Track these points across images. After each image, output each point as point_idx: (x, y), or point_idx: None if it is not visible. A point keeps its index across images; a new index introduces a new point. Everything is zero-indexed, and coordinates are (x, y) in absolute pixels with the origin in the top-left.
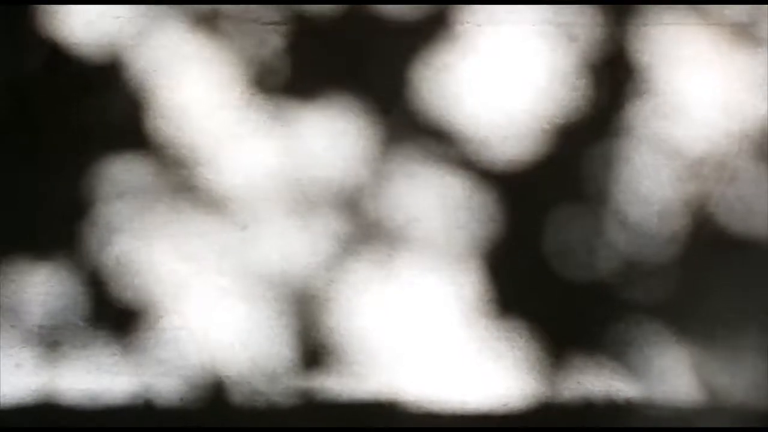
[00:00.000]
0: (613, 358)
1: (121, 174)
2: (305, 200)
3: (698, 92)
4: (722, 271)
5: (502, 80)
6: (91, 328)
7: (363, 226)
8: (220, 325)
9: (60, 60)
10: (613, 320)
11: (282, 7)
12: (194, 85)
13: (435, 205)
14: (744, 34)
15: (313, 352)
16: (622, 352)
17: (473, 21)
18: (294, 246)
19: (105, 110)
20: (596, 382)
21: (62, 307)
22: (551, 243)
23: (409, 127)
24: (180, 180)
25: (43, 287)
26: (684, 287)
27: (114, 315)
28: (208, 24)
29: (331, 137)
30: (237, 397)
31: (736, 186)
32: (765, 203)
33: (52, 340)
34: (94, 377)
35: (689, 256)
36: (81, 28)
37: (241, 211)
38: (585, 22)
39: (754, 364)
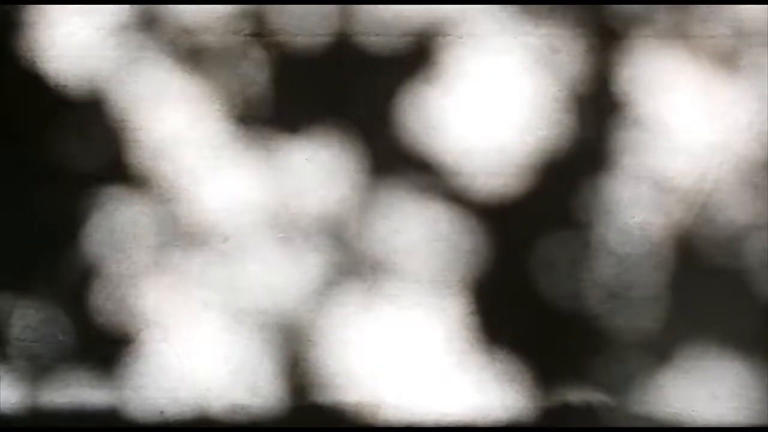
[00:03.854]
0: (593, 371)
1: (105, 197)
2: (289, 227)
3: (680, 104)
4: (703, 289)
5: (485, 93)
6: (72, 341)
7: (346, 249)
8: (201, 338)
9: (39, 73)
10: (593, 334)
11: (265, 19)
12: (177, 111)
13: (419, 231)
14: (726, 46)
15: (295, 364)
16: (602, 365)
17: (455, 33)
18: (276, 260)
19: (86, 128)
20: (576, 394)
21: (42, 321)
22: (533, 263)
23: (393, 155)
24: (163, 206)
25: (23, 301)
26: (663, 303)
27: (94, 328)
28: (190, 39)
29: (315, 167)
30: (218, 410)
31: (717, 198)
32: (746, 216)
33: (32, 354)
34: (75, 390)
35: (669, 275)
36: (62, 40)
37: (224, 232)
38: (567, 34)
39: (736, 379)
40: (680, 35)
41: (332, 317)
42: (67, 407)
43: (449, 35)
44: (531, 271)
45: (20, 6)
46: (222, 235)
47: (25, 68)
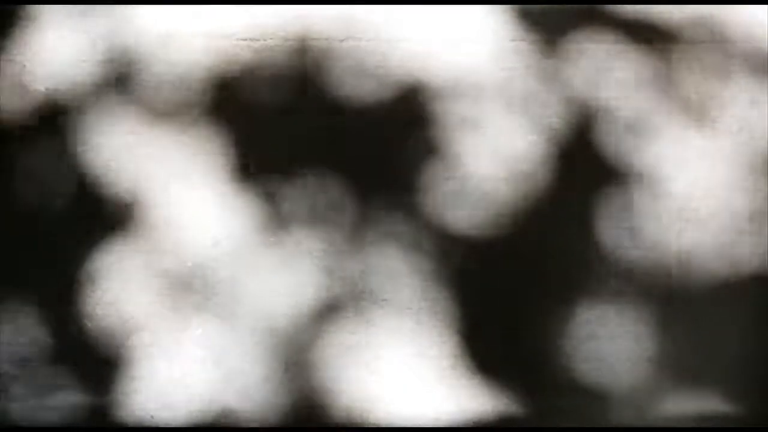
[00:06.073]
0: (584, 379)
1: (94, 200)
2: (280, 232)
3: (671, 109)
4: (695, 299)
5: (477, 100)
6: (61, 345)
7: (337, 255)
8: (192, 342)
9: (29, 77)
10: (581, 344)
11: (256, 23)
12: (167, 117)
13: (408, 256)
14: (718, 51)
15: (286, 369)
16: (591, 373)
17: (447, 37)
18: (267, 264)
19: (75, 131)
20: (566, 400)
21: (32, 325)
22: (519, 287)
23: (383, 178)
24: (153, 211)
25: (11, 304)
26: (652, 317)
27: (84, 332)
28: (180, 41)
29: (305, 189)
30: (208, 414)
31: (708, 204)
32: (738, 220)
33: (21, 358)
34: (64, 394)
35: (661, 287)
36: (52, 46)
37: (215, 236)
38: (558, 39)
39: (724, 388)
40: (672, 40)
41: (323, 321)
42: (56, 412)
43: (441, 39)
44: (515, 285)
45: (11, 7)
46: (213, 240)
47: (14, 72)
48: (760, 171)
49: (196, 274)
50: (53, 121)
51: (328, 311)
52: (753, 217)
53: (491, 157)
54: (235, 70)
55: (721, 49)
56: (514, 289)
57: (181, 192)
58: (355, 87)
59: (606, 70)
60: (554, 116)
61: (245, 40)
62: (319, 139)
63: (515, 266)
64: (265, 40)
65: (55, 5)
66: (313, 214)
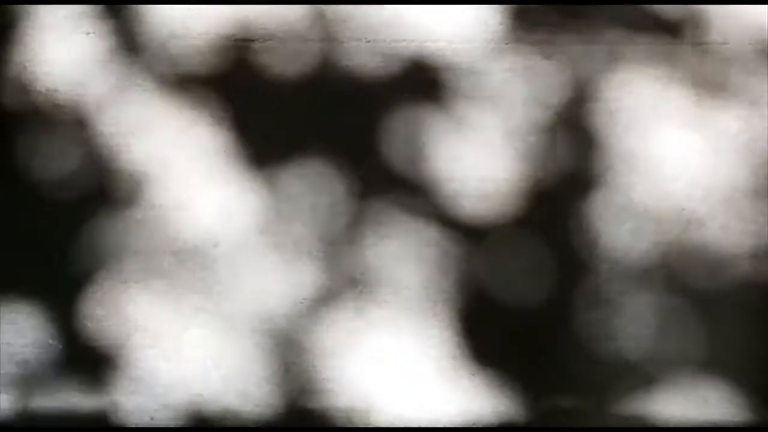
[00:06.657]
0: (584, 379)
1: (95, 202)
2: (280, 233)
3: (670, 110)
4: (694, 294)
5: (475, 101)
6: (62, 346)
7: (337, 256)
8: (192, 343)
9: (29, 77)
10: (580, 344)
11: (257, 24)
12: (168, 117)
13: (408, 255)
14: (717, 52)
15: (286, 369)
16: (590, 371)
17: (446, 39)
18: (267, 265)
19: (76, 134)
20: (566, 401)
21: (32, 326)
22: (519, 277)
23: (383, 177)
24: (153, 212)
25: (12, 306)
26: (650, 310)
27: (85, 333)
28: (180, 44)
29: (306, 189)
30: (209, 415)
31: (708, 205)
32: (737, 222)
33: (21, 359)
34: (65, 396)
35: (658, 283)
36: (52, 46)
37: (215, 237)
38: (557, 39)
39: (725, 384)
40: (672, 40)
41: (323, 322)
42: (56, 413)
43: (440, 41)
44: (516, 284)
45: (11, 7)
46: (213, 241)
47: (14, 72)
48: (761, 171)
49: (197, 274)
50: (53, 122)
51: (328, 311)
52: (753, 217)
53: (491, 157)
54: (235, 71)
55: (722, 49)
56: (514, 289)
57: (182, 193)
58: (356, 88)
59: (606, 70)
60: (554, 117)
61: (245, 41)
62: (319, 140)
63: (516, 266)
64: (264, 41)
65: (55, 5)
66: (313, 213)
